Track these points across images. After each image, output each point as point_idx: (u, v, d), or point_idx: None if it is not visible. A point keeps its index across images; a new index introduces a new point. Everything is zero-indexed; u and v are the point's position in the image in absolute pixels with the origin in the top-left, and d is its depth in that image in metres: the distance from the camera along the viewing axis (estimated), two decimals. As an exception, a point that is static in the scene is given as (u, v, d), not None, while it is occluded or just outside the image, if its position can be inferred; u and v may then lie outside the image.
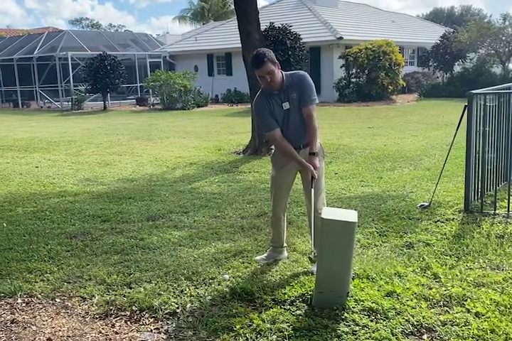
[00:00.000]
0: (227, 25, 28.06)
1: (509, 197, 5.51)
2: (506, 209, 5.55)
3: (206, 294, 3.80)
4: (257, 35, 9.83)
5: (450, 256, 4.38)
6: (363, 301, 3.54)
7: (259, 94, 4.23)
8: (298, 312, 3.48)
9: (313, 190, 4.09)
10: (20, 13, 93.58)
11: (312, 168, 4.03)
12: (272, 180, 4.40)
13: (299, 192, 6.80)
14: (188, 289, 3.89)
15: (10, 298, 3.93)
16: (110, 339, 3.34)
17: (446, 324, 3.27)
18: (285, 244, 4.55)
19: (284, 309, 3.53)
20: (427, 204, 5.89)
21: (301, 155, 4.11)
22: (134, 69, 27.51)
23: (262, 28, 11.59)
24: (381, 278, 3.90)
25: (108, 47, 26.63)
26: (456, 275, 3.95)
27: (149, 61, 28.00)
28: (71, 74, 24.83)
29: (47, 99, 26.73)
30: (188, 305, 3.66)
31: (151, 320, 3.54)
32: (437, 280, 3.91)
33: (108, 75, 22.68)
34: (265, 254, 4.49)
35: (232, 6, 37.63)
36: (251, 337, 3.21)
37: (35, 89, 27.04)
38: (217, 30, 28.94)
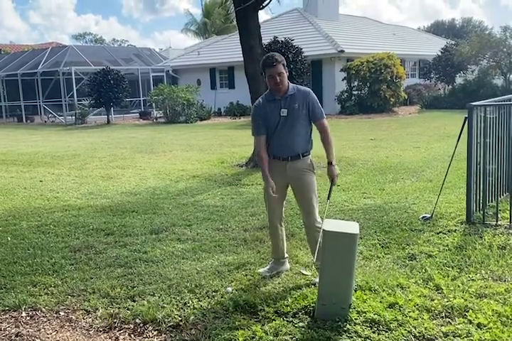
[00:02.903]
0: (230, 39, 28.32)
1: (511, 208, 5.52)
2: (508, 220, 5.56)
3: (209, 307, 3.81)
4: (259, 49, 9.93)
5: (452, 268, 4.39)
6: (365, 313, 3.55)
7: (260, 99, 4.33)
8: (300, 324, 3.50)
9: (328, 200, 4.40)
10: (25, 29, 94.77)
11: (333, 176, 4.23)
12: (264, 190, 4.42)
13: (301, 205, 6.83)
14: (191, 302, 3.90)
15: (14, 311, 3.96)
16: (114, 352, 3.36)
17: (448, 335, 3.28)
18: (286, 255, 4.58)
19: (287, 321, 3.55)
20: (429, 215, 5.91)
21: (289, 168, 4.21)
22: (137, 84, 27.72)
23: (264, 41, 11.71)
24: (383, 290, 3.92)
25: (111, 62, 26.87)
26: (458, 287, 3.96)
27: (152, 75, 28.22)
28: (75, 88, 25.04)
29: (51, 113, 26.91)
30: (191, 317, 3.68)
31: (155, 332, 3.56)
32: (439, 291, 3.92)
33: (111, 89, 22.86)
34: (268, 267, 4.51)
35: (235, 21, 37.96)
36: (254, 349, 3.22)
37: (39, 104, 27.27)
38: (219, 45, 29.20)
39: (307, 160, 4.28)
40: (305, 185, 4.24)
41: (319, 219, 4.26)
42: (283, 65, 4.14)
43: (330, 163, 4.22)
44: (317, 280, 3.88)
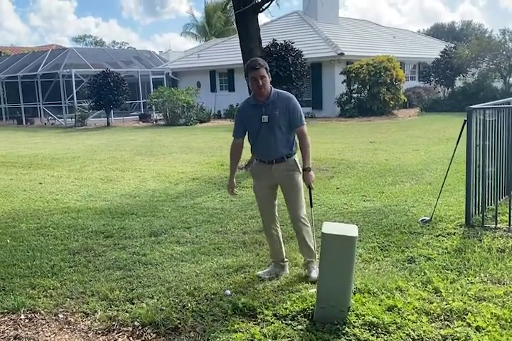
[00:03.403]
0: (229, 42, 28.35)
1: (510, 211, 5.53)
2: (507, 223, 5.57)
3: (208, 309, 3.81)
4: (258, 52, 9.94)
5: (451, 271, 4.39)
6: (364, 316, 3.55)
7: (243, 102, 4.47)
8: (299, 327, 3.50)
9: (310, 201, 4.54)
10: (25, 31, 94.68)
11: (309, 182, 4.38)
12: (254, 191, 4.59)
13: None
14: (189, 304, 3.90)
15: (13, 313, 3.96)
16: (112, 354, 3.35)
17: (447, 338, 3.28)
18: (286, 259, 4.58)
19: (286, 324, 3.55)
20: (428, 218, 5.91)
21: (275, 171, 4.34)
22: (137, 86, 27.76)
23: (264, 44, 11.73)
24: (382, 293, 3.91)
25: (111, 64, 26.90)
26: (457, 290, 3.96)
27: (152, 78, 28.25)
28: (74, 91, 25.06)
29: (50, 115, 26.93)
30: (190, 320, 3.68)
31: (154, 335, 3.55)
32: (438, 294, 3.92)
33: (111, 92, 22.88)
34: (267, 269, 4.51)
35: (234, 24, 38.07)
36: (252, 352, 3.22)
37: (38, 106, 27.28)
38: (219, 47, 29.24)
39: (292, 161, 4.37)
40: (292, 185, 4.37)
41: (305, 214, 4.42)
42: (266, 69, 4.24)
43: (305, 170, 4.34)
44: (313, 275, 4.20)
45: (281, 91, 4.39)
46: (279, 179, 4.37)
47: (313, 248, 4.44)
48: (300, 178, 4.38)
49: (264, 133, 4.28)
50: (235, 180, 4.58)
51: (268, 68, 4.30)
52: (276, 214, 4.55)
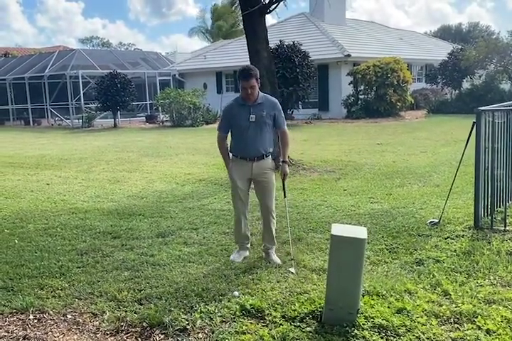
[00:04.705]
0: (236, 43, 28.39)
1: (519, 214, 5.50)
2: (516, 225, 5.53)
3: (216, 310, 3.81)
4: (265, 53, 9.95)
5: (460, 273, 4.37)
6: (373, 318, 3.54)
7: (232, 101, 4.84)
8: (308, 329, 3.48)
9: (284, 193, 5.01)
10: (32, 32, 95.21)
11: (285, 172, 4.84)
12: (232, 181, 4.92)
13: (308, 209, 6.83)
14: (198, 305, 3.89)
15: (22, 314, 3.96)
16: (121, 355, 3.35)
17: (457, 341, 3.26)
18: (248, 241, 5.06)
19: (294, 326, 3.53)
20: (436, 220, 5.89)
21: (255, 167, 4.77)
22: (143, 87, 27.82)
23: (271, 45, 11.72)
24: (391, 295, 3.90)
25: (118, 66, 26.98)
26: (467, 292, 3.94)
27: (159, 79, 28.31)
28: (82, 92, 25.15)
29: (58, 116, 27.03)
30: (198, 321, 3.67)
31: (162, 336, 3.55)
32: (447, 297, 3.90)
33: (118, 93, 22.94)
34: (237, 253, 4.95)
35: (241, 26, 38.08)
36: (261, 354, 3.21)
37: (46, 107, 27.39)
38: (225, 49, 29.27)
39: (270, 159, 4.85)
40: (268, 183, 4.82)
41: (274, 211, 4.97)
42: (256, 78, 4.60)
43: (284, 162, 4.84)
44: (292, 269, 4.52)
45: (267, 95, 4.85)
46: (257, 175, 4.79)
47: (274, 237, 4.97)
48: (274, 177, 4.87)
49: (251, 131, 4.69)
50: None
51: (258, 75, 4.65)
52: (249, 203, 5.05)
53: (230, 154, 4.93)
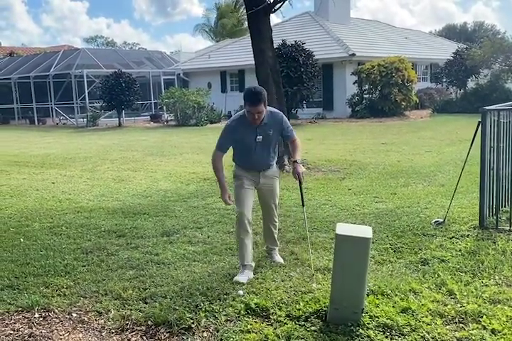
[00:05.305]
0: (240, 42, 28.37)
1: (524, 214, 5.48)
2: (522, 225, 5.52)
3: (221, 309, 3.81)
4: (270, 53, 9.94)
5: (465, 273, 4.36)
6: (377, 317, 3.53)
7: (237, 119, 4.54)
8: (313, 328, 3.49)
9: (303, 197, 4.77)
10: (37, 31, 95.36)
11: (299, 173, 4.50)
12: (237, 188, 4.68)
13: (312, 208, 6.83)
14: (202, 304, 3.90)
15: (27, 312, 3.98)
16: (126, 353, 3.36)
17: (462, 341, 3.25)
18: (252, 264, 4.56)
19: (299, 325, 3.54)
20: (441, 220, 5.88)
21: (262, 176, 4.64)
22: (148, 87, 27.85)
23: (275, 44, 11.72)
24: (396, 295, 3.89)
25: (123, 65, 27.02)
26: (472, 292, 3.93)
27: (163, 78, 28.34)
28: (86, 91, 25.21)
29: (62, 115, 27.09)
30: (203, 320, 3.68)
31: (167, 334, 3.56)
32: (452, 296, 3.90)
33: (123, 92, 22.97)
34: (243, 274, 4.42)
35: (245, 24, 38.08)
36: (266, 353, 3.21)
37: (50, 106, 27.45)
38: (230, 48, 29.26)
39: (276, 167, 4.79)
40: (273, 190, 4.73)
41: (277, 216, 4.91)
42: (264, 102, 4.33)
43: (295, 161, 4.57)
44: (314, 285, 4.15)
45: (273, 110, 4.57)
46: (263, 184, 4.67)
47: (276, 238, 4.93)
48: (278, 184, 4.79)
49: (258, 149, 4.53)
50: (228, 188, 4.70)
51: (266, 99, 4.36)
52: (251, 216, 4.70)
53: (234, 163, 4.77)
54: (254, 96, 4.30)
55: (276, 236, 4.94)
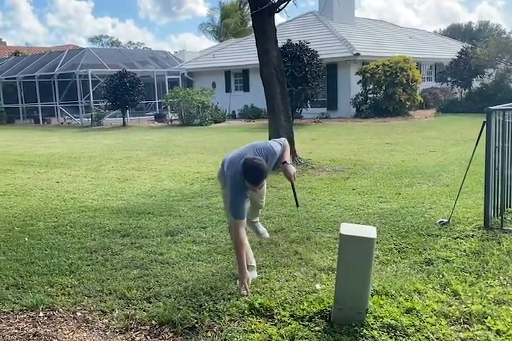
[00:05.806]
0: (244, 42, 28.39)
1: (529, 214, 5.46)
2: (527, 225, 5.50)
3: (225, 309, 3.81)
4: (274, 52, 9.94)
5: (470, 273, 4.35)
6: (382, 318, 3.53)
7: (240, 182, 4.10)
8: (317, 328, 3.48)
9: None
10: (42, 31, 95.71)
11: (291, 174, 4.44)
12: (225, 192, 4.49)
13: (316, 208, 6.82)
14: (206, 304, 3.90)
15: (32, 311, 3.99)
16: (130, 353, 3.37)
17: (466, 341, 3.24)
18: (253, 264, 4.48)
19: (303, 325, 3.53)
20: (446, 220, 5.86)
21: None
22: (152, 86, 27.90)
23: (279, 44, 11.71)
24: (400, 295, 3.89)
25: (127, 65, 27.10)
26: (476, 293, 3.92)
27: (168, 78, 28.39)
28: (91, 91, 25.27)
29: (67, 115, 27.18)
30: (207, 320, 3.68)
31: (171, 334, 3.56)
32: (457, 297, 3.88)
33: (127, 92, 23.03)
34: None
35: (249, 24, 38.07)
36: (270, 353, 3.21)
37: (55, 106, 27.55)
38: (234, 48, 29.29)
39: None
40: (263, 191, 4.75)
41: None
42: (266, 177, 4.15)
43: (285, 162, 4.47)
44: (318, 285, 4.14)
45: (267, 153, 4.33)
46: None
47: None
48: (266, 184, 4.73)
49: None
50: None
51: (267, 176, 4.19)
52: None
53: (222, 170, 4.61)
54: (258, 175, 4.03)
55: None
